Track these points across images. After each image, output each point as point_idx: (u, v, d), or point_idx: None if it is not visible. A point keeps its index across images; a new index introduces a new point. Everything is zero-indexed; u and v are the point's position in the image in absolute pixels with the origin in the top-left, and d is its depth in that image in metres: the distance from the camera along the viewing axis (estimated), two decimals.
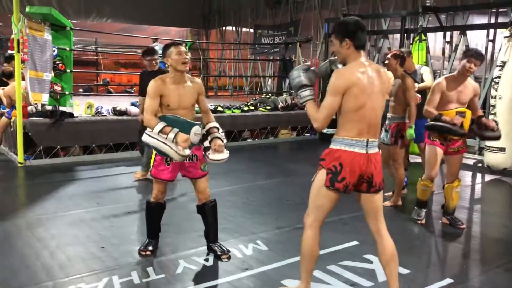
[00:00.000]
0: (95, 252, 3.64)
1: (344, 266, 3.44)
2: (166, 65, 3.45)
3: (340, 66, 2.72)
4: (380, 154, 2.72)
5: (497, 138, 4.37)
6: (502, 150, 6.48)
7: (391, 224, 4.53)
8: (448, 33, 8.63)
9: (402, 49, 5.75)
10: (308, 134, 9.95)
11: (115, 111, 7.61)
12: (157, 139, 3.20)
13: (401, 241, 4.05)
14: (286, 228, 4.25)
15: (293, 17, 12.40)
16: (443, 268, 3.49)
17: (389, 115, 4.92)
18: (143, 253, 3.61)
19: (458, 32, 8.36)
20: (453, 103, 4.14)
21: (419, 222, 4.44)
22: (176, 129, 3.21)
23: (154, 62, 5.62)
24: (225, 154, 3.50)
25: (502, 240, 4.14)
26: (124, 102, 8.41)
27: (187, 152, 3.22)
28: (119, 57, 17.57)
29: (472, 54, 4.07)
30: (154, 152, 3.42)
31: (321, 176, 2.65)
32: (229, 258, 3.54)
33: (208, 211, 3.61)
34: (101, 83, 14.17)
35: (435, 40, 9.65)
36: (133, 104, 7.95)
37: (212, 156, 3.48)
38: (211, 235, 3.66)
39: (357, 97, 2.53)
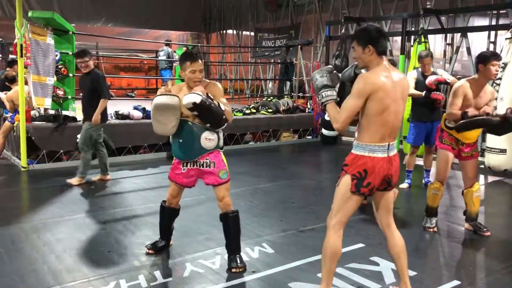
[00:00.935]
0: (102, 256, 3.65)
1: (351, 269, 3.45)
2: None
3: (363, 71, 2.76)
4: (397, 155, 2.78)
5: None
6: (503, 151, 6.48)
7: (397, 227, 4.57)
8: (449, 35, 8.65)
9: (422, 52, 5.79)
10: (309, 137, 9.96)
11: (118, 115, 7.62)
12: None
13: (407, 243, 4.08)
14: (292, 231, 4.26)
15: (293, 20, 12.43)
16: (450, 270, 3.50)
17: None
18: (148, 250, 3.70)
19: (459, 34, 8.38)
20: (471, 107, 3.96)
21: (431, 230, 4.30)
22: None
23: (83, 64, 5.66)
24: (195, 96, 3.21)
25: (507, 241, 4.14)
26: (126, 106, 8.42)
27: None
28: (119, 61, 17.60)
29: (494, 57, 3.91)
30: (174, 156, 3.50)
31: (346, 180, 2.70)
32: (240, 271, 3.40)
33: (228, 222, 3.48)
34: None
35: (435, 43, 9.68)
36: (135, 108, 7.95)
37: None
38: (230, 246, 3.51)
39: (382, 101, 2.58)
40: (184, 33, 17.76)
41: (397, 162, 2.75)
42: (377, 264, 3.54)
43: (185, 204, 5.05)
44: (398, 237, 2.84)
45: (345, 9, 10.73)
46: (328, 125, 9.20)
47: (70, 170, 6.67)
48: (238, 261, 3.45)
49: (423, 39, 7.78)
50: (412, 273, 3.37)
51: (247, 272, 3.37)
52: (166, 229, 3.76)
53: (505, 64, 6.55)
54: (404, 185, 5.94)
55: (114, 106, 8.69)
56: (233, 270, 3.39)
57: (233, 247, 3.50)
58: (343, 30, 9.41)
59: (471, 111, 3.91)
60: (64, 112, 7.11)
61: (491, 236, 4.15)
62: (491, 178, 6.66)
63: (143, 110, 7.91)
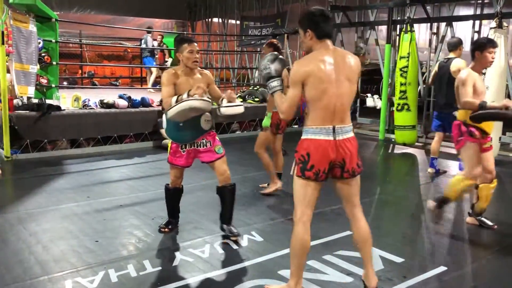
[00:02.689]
0: (90, 245, 3.61)
1: (340, 256, 3.48)
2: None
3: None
4: (354, 139, 2.70)
5: None
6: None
7: (382, 214, 4.63)
8: (434, 25, 8.69)
9: (449, 40, 5.87)
10: (296, 126, 9.96)
11: (103, 104, 7.52)
12: (177, 105, 3.34)
13: (395, 231, 4.14)
14: (280, 219, 4.27)
15: (280, 8, 12.35)
16: (437, 257, 3.55)
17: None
18: (163, 229, 3.86)
19: (444, 23, 8.42)
20: (483, 94, 3.90)
21: (493, 227, 4.08)
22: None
23: None
24: (238, 107, 3.70)
25: (493, 228, 4.20)
26: (111, 95, 8.30)
27: (206, 96, 3.46)
28: (102, 49, 17.33)
29: (491, 44, 3.90)
30: (170, 141, 3.67)
31: (295, 168, 2.71)
32: (237, 241, 3.67)
33: (226, 193, 3.74)
34: (86, 75, 13.97)
35: (419, 32, 9.72)
36: (120, 97, 7.86)
37: (224, 110, 3.68)
38: (225, 216, 3.77)
39: (317, 86, 2.55)
40: (169, 21, 17.54)
41: (349, 147, 2.62)
42: None
43: None
44: (362, 227, 2.77)
45: None
46: None
47: (55, 159, 6.59)
48: (234, 230, 3.73)
49: (408, 28, 7.82)
50: (399, 259, 3.42)
51: (236, 261, 3.38)
52: (175, 209, 3.95)
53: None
54: (430, 170, 6.18)
55: (99, 95, 8.58)
56: (233, 238, 3.67)
57: (229, 218, 3.77)
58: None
59: (489, 103, 3.79)
60: (48, 101, 6.99)
61: (476, 224, 4.20)
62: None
63: (129, 98, 7.82)
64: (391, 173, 6.99)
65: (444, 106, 5.79)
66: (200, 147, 3.63)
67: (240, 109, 3.76)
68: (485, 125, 3.89)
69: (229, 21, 14.40)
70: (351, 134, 2.69)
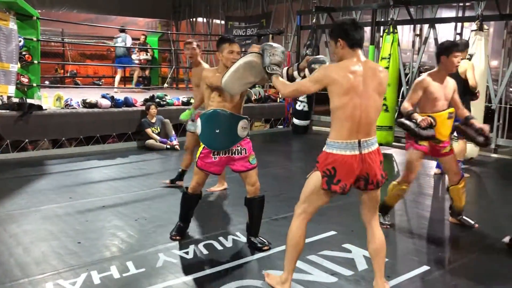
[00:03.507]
0: (72, 247, 3.56)
1: (324, 256, 3.49)
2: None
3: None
4: (379, 151, 2.71)
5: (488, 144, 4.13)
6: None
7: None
8: (417, 26, 8.79)
9: (457, 41, 5.84)
10: (281, 126, 9.99)
11: (85, 104, 7.43)
12: (230, 69, 3.18)
13: None
14: (266, 219, 4.24)
15: (265, 9, 12.36)
16: (420, 256, 3.58)
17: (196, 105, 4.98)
18: (175, 238, 3.71)
19: (427, 25, 8.52)
20: (442, 100, 3.86)
21: (385, 227, 4.09)
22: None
23: None
24: None
25: (474, 227, 4.26)
26: (93, 95, 8.22)
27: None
28: (85, 48, 17.11)
29: (456, 48, 3.84)
30: (202, 145, 3.48)
31: (316, 176, 2.69)
32: (269, 248, 3.56)
33: (256, 206, 3.62)
34: (68, 75, 13.77)
35: (402, 33, 9.82)
36: (103, 97, 7.77)
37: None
38: (253, 229, 3.66)
39: (342, 96, 2.54)
40: (153, 20, 17.40)
41: (374, 160, 2.65)
42: (349, 251, 3.59)
43: (156, 194, 5.01)
44: (378, 235, 2.78)
45: None
46: (300, 115, 9.31)
47: (36, 160, 6.49)
48: (265, 240, 3.63)
49: (391, 29, 7.88)
50: None
51: (221, 261, 3.36)
52: (189, 215, 3.80)
53: (471, 56, 6.70)
54: (437, 170, 6.13)
55: (81, 94, 8.48)
56: (265, 248, 3.56)
57: (257, 229, 3.67)
58: (314, 20, 9.44)
59: (437, 117, 3.81)
60: (29, 100, 6.87)
61: (458, 223, 4.26)
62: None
63: (111, 98, 7.74)
64: None
65: None
66: (235, 154, 3.47)
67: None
68: (435, 132, 3.81)
69: (214, 21, 14.36)
70: (376, 146, 2.70)
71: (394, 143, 8.34)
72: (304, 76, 3.08)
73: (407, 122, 3.80)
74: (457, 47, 3.87)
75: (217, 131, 3.38)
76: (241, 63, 3.15)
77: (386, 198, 4.11)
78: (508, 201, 5.25)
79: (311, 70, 2.91)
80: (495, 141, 7.65)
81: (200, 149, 3.51)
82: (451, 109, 3.93)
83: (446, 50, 3.83)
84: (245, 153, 3.49)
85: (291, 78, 3.13)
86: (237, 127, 3.41)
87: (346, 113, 2.56)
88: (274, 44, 2.96)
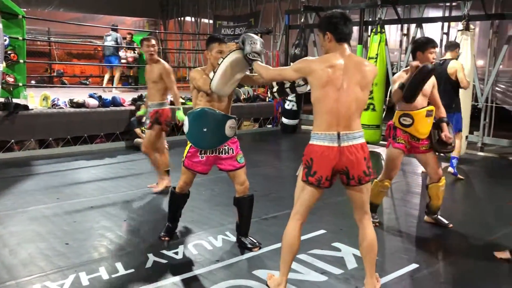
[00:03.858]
0: (60, 248, 3.52)
1: (314, 255, 3.49)
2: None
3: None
4: (363, 145, 2.67)
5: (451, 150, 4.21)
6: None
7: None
8: (405, 26, 8.86)
9: (449, 41, 5.89)
10: (270, 126, 10.00)
11: (72, 103, 7.35)
12: (218, 69, 3.14)
13: None
14: (255, 219, 4.22)
15: (253, 8, 12.36)
16: (409, 254, 3.60)
17: (149, 103, 5.04)
18: (164, 238, 3.69)
19: (414, 24, 8.59)
20: (419, 96, 3.79)
21: (376, 224, 4.02)
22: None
23: None
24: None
25: (463, 225, 4.29)
26: (81, 94, 8.14)
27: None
28: (72, 48, 16.94)
29: (431, 44, 3.86)
30: (189, 144, 3.45)
31: (301, 171, 2.72)
32: (259, 249, 3.55)
33: (245, 205, 3.61)
34: (55, 74, 13.62)
35: (390, 33, 9.88)
36: (91, 96, 7.70)
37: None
38: (243, 228, 3.66)
39: (320, 89, 2.57)
40: (141, 19, 17.30)
41: (354, 153, 2.60)
42: (338, 250, 3.60)
43: (145, 195, 4.97)
44: (369, 234, 2.76)
45: None
46: (288, 114, 9.31)
47: (22, 160, 6.41)
48: (255, 241, 3.63)
49: (378, 29, 7.93)
50: None
51: (210, 261, 3.35)
52: (177, 215, 3.78)
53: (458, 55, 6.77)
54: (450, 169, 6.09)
55: (69, 94, 8.40)
56: (255, 249, 3.55)
57: (247, 229, 3.66)
58: (302, 19, 9.46)
59: (415, 116, 3.83)
60: (15, 100, 6.78)
61: (433, 222, 4.25)
62: (443, 164, 6.86)
63: (99, 98, 7.68)
64: None
65: (444, 107, 5.76)
66: (222, 153, 3.45)
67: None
68: (413, 130, 3.87)
69: (202, 20, 14.32)
70: (360, 141, 2.65)
71: (382, 142, 8.38)
72: (295, 85, 3.16)
73: (412, 78, 3.60)
74: (432, 43, 3.89)
75: (205, 129, 3.36)
76: (227, 64, 3.13)
77: (371, 198, 4.07)
78: (494, 199, 5.31)
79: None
80: (481, 140, 7.73)
81: (187, 148, 3.48)
82: (430, 107, 3.92)
83: (421, 46, 3.86)
84: (233, 153, 3.47)
85: (291, 86, 3.19)
86: (225, 126, 3.39)
87: (325, 106, 2.59)
88: (253, 35, 3.06)
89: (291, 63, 3.07)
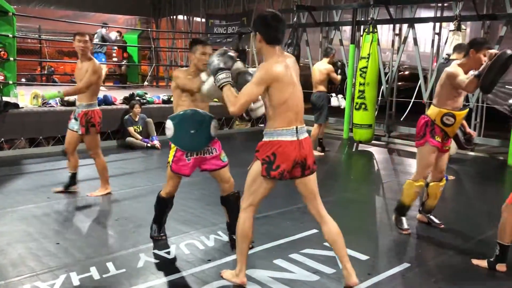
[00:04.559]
0: (50, 248, 3.48)
1: (306, 254, 3.49)
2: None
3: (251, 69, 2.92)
4: (310, 138, 2.84)
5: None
6: None
7: (347, 212, 4.68)
8: (397, 26, 8.88)
9: (462, 43, 5.76)
10: (262, 125, 9.98)
11: (63, 102, 7.29)
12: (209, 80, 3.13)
13: (359, 229, 4.18)
14: None
15: (245, 7, 12.33)
16: (400, 254, 3.62)
17: (77, 103, 4.76)
18: (159, 238, 3.68)
19: (406, 25, 8.62)
20: (462, 96, 3.82)
21: (405, 233, 3.98)
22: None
23: None
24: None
25: (454, 224, 4.31)
26: None
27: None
28: (63, 46, 16.81)
29: (487, 46, 3.68)
30: (174, 148, 3.42)
31: (256, 166, 2.78)
32: (252, 247, 3.50)
33: (233, 202, 3.58)
34: (46, 72, 13.51)
35: (382, 33, 9.90)
36: None
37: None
38: (234, 226, 3.55)
39: (282, 90, 2.66)
40: (132, 17, 17.20)
41: (308, 145, 2.78)
42: (330, 249, 3.50)
43: (137, 194, 4.95)
44: (331, 223, 2.85)
45: None
46: None
47: (12, 159, 6.35)
48: None
49: (371, 29, 7.95)
50: (364, 257, 3.47)
51: (203, 261, 3.34)
52: (165, 218, 3.75)
53: (449, 56, 6.80)
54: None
55: None
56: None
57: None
58: (295, 19, 9.45)
59: (458, 117, 3.75)
60: (5, 98, 6.71)
61: (426, 221, 4.25)
62: None
63: None
64: (355, 171, 7.10)
65: None
66: (207, 154, 3.46)
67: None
68: (450, 130, 3.83)
69: (194, 19, 14.27)
70: (307, 134, 2.83)
71: (374, 142, 8.43)
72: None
73: (492, 63, 3.42)
74: (488, 45, 3.73)
75: (192, 131, 3.34)
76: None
77: (402, 197, 4.03)
78: (485, 199, 5.35)
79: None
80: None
81: (173, 152, 3.44)
82: (467, 110, 3.89)
83: (478, 44, 3.69)
84: (216, 152, 3.51)
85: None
86: (210, 126, 3.41)
87: (288, 105, 2.69)
88: (213, 55, 2.81)
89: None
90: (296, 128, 2.71)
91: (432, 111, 3.89)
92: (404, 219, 4.04)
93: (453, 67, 3.76)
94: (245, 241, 2.90)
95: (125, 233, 3.85)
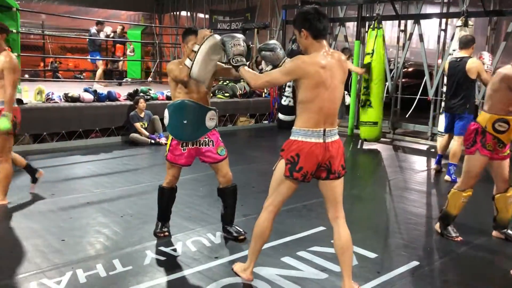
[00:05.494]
0: (56, 245, 3.46)
1: (314, 252, 3.46)
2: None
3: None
4: (340, 141, 2.73)
5: None
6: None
7: (355, 210, 4.63)
8: (402, 22, 8.81)
9: (461, 37, 5.64)
10: (266, 122, 9.95)
11: (67, 98, 7.27)
12: (196, 55, 3.14)
13: (367, 227, 4.15)
14: (254, 215, 4.20)
15: (249, 3, 12.28)
16: (409, 252, 3.57)
17: None
18: (161, 235, 3.64)
19: (412, 21, 8.55)
20: None
21: (458, 240, 3.78)
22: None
23: None
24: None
25: (462, 222, 4.26)
26: (75, 88, 8.04)
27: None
28: (65, 42, 16.78)
29: None
30: (170, 137, 3.45)
31: (281, 165, 2.72)
32: (245, 238, 3.61)
33: (228, 194, 3.64)
34: (49, 68, 13.48)
35: (386, 29, 9.82)
36: (86, 90, 7.61)
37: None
38: (228, 217, 3.71)
39: (312, 89, 2.57)
40: (136, 13, 17.15)
41: (336, 149, 2.68)
42: None
43: (142, 190, 4.92)
44: (343, 233, 2.75)
45: None
46: (285, 110, 9.28)
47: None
48: (241, 230, 3.69)
49: (375, 25, 7.87)
50: (373, 255, 3.43)
51: (210, 258, 3.31)
52: (168, 211, 3.74)
53: (455, 51, 6.74)
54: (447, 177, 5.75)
55: (63, 88, 8.30)
56: (241, 237, 3.63)
57: (230, 218, 3.72)
58: None
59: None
60: None
61: (502, 237, 3.95)
62: (444, 161, 6.81)
63: (94, 92, 7.59)
64: (361, 169, 7.05)
65: (458, 107, 5.48)
66: (202, 145, 3.48)
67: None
68: (505, 136, 3.56)
69: (198, 15, 14.21)
70: (337, 137, 2.73)
71: (381, 139, 8.36)
72: (261, 70, 3.14)
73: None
74: None
75: (185, 121, 3.38)
76: (205, 50, 3.13)
77: (447, 207, 3.84)
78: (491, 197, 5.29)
79: (263, 58, 2.97)
80: None
81: (169, 142, 3.50)
82: None
83: None
84: (213, 145, 3.50)
85: None
86: (205, 118, 3.43)
87: (315, 106, 2.60)
88: (234, 34, 2.98)
89: (287, 59, 2.96)
90: (324, 130, 2.63)
91: (483, 118, 3.62)
92: (450, 227, 3.85)
93: (508, 69, 3.51)
94: (259, 241, 2.86)
95: (130, 230, 3.82)
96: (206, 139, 3.48)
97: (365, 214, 4.59)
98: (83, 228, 3.84)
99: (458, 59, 5.47)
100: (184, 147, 3.46)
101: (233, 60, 2.87)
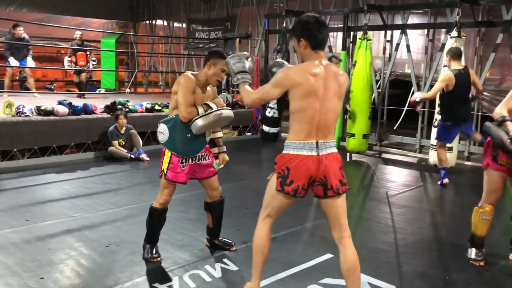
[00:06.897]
0: (33, 284, 3.01)
1: (326, 285, 3.14)
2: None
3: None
4: (337, 154, 2.63)
5: None
6: (450, 149, 6.53)
7: (360, 233, 4.29)
8: (388, 32, 8.67)
9: (453, 48, 5.84)
10: (249, 134, 9.62)
11: (40, 111, 6.75)
12: (211, 113, 3.22)
13: (379, 252, 3.77)
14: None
15: (229, 12, 11.96)
16: (427, 282, 3.28)
17: None
18: (154, 260, 3.40)
19: (399, 31, 8.41)
20: None
21: (476, 264, 3.54)
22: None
23: None
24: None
25: (453, 235, 3.96)
26: (48, 101, 7.53)
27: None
28: (34, 50, 16.04)
29: None
30: (169, 155, 3.30)
31: (274, 178, 2.65)
32: (235, 249, 3.63)
33: (217, 208, 3.61)
34: (17, 78, 12.79)
35: (372, 39, 9.68)
36: (60, 103, 7.11)
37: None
38: (215, 231, 3.67)
39: (303, 98, 2.49)
40: (109, 21, 16.61)
41: (332, 162, 2.56)
42: None
43: (127, 214, 4.46)
44: (349, 255, 2.61)
45: (282, 3, 10.49)
46: (269, 122, 8.96)
47: None
48: (229, 241, 3.69)
49: (362, 36, 7.69)
50: (390, 286, 3.12)
51: None
52: (158, 235, 3.49)
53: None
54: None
55: (35, 100, 7.77)
56: (232, 249, 3.62)
57: (218, 232, 3.69)
58: (284, 24, 9.15)
59: (510, 125, 3.20)
60: None
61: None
62: (436, 175, 6.63)
63: (69, 105, 7.09)
64: (355, 184, 6.77)
65: (469, 114, 5.85)
66: (202, 160, 3.40)
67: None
68: None
69: (175, 24, 13.82)
70: (335, 150, 2.63)
71: (368, 151, 8.15)
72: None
73: (498, 129, 3.21)
74: None
75: (189, 135, 3.27)
76: (218, 118, 3.24)
77: (472, 228, 3.58)
78: None
79: (273, 74, 2.86)
80: (468, 149, 7.60)
81: (167, 159, 3.31)
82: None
83: None
84: (209, 159, 3.46)
85: None
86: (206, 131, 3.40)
87: (306, 116, 2.52)
88: (238, 53, 2.91)
89: (269, 69, 2.96)
90: (317, 142, 2.52)
91: None
92: (474, 250, 3.56)
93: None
94: (260, 255, 2.72)
95: (118, 263, 3.40)
96: (204, 154, 3.42)
97: (373, 237, 4.24)
98: (64, 261, 3.40)
99: (462, 70, 5.62)
100: (184, 164, 3.32)
101: (234, 79, 2.81)
